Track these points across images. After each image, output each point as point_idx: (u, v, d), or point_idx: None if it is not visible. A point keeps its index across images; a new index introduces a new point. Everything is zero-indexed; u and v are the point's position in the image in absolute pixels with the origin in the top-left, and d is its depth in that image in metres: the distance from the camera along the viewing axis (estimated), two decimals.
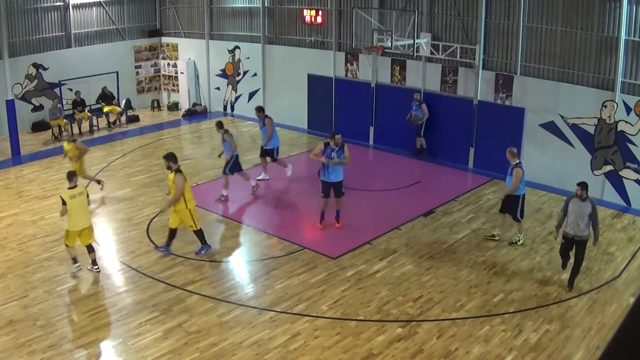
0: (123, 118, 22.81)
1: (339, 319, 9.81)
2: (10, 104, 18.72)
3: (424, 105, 17.86)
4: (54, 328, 9.49)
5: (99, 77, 22.70)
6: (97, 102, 22.21)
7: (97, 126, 21.96)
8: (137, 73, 25.03)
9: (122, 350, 8.96)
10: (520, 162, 12.34)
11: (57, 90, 22.01)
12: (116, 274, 11.36)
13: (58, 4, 22.26)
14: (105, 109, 22.10)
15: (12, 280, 11.02)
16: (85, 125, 21.56)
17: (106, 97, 22.25)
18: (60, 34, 22.50)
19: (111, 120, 22.29)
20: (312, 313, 9.99)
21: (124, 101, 23.39)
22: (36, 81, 21.64)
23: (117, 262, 11.80)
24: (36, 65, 21.54)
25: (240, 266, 11.94)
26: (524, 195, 12.36)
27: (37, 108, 21.77)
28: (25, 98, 21.37)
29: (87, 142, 20.12)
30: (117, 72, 23.58)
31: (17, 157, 18.64)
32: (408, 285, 10.89)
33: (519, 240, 12.58)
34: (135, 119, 23.12)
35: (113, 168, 17.57)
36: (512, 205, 12.38)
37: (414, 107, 17.89)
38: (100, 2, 23.45)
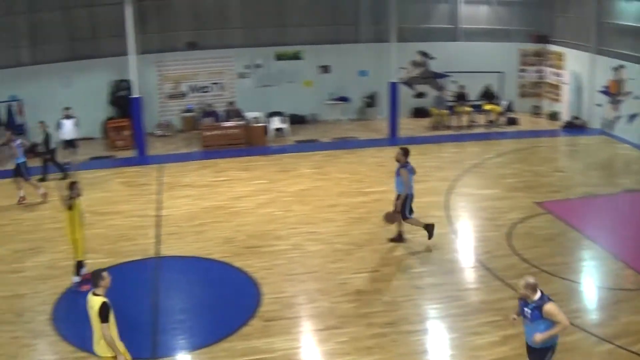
0: (502, 118, 22.30)
1: None
2: (392, 87, 19.59)
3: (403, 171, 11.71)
4: (397, 307, 9.65)
5: (482, 74, 22.43)
6: (479, 99, 22.11)
7: (477, 122, 21.95)
8: (521, 77, 24.21)
9: (456, 345, 8.73)
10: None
11: (440, 80, 22.09)
12: (468, 270, 11.18)
13: None
14: (486, 107, 21.92)
15: (368, 254, 11.48)
16: (465, 120, 21.72)
17: (488, 95, 22.07)
18: (449, 26, 22.83)
19: (491, 118, 22.03)
20: None
21: (505, 102, 22.84)
22: (422, 69, 21.72)
23: (474, 260, 11.46)
24: (423, 53, 21.65)
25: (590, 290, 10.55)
26: None
27: (420, 95, 22.07)
28: (408, 83, 21.66)
29: (464, 137, 20.49)
30: (502, 73, 23.10)
31: (393, 138, 19.63)
32: None
33: None
34: (514, 121, 22.39)
35: (486, 166, 17.33)
36: None
37: None
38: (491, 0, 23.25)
